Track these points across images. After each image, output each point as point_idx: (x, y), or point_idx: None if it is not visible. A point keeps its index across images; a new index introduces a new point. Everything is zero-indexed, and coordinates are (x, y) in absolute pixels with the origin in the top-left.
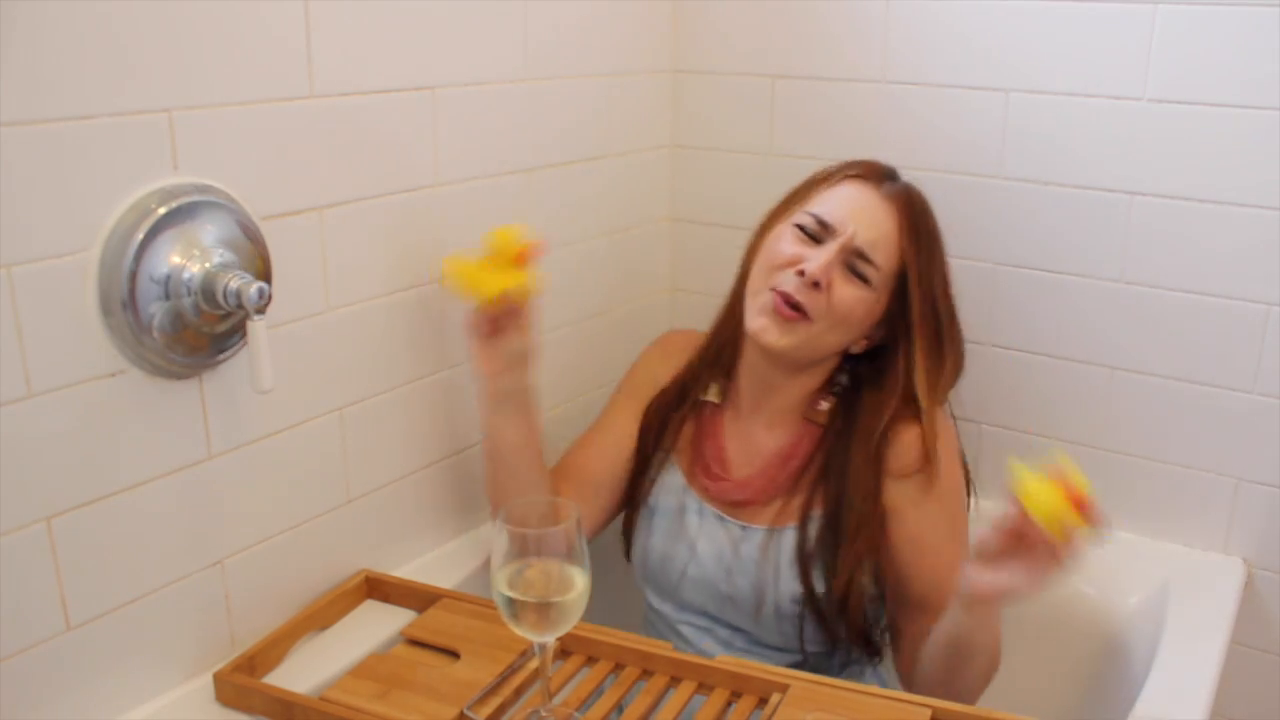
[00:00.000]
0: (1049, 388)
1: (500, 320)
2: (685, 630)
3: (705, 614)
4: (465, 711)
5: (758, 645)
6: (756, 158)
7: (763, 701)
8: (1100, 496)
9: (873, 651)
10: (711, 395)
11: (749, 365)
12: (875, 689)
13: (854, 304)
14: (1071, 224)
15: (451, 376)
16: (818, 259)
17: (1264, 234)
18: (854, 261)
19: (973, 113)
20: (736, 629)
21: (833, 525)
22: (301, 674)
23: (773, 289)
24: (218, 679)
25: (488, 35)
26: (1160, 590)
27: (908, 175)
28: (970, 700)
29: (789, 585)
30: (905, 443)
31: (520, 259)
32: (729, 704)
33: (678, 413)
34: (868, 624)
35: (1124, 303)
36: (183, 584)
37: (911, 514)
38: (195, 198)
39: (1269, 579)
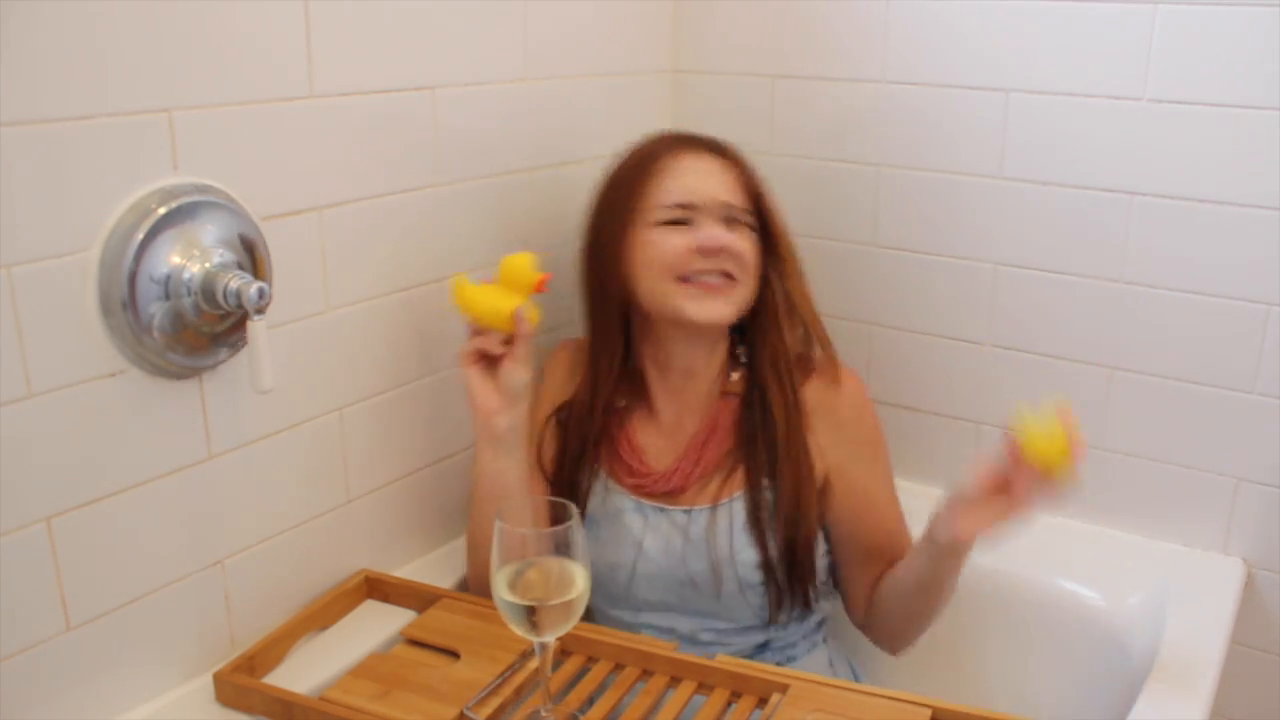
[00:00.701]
0: (1049, 387)
1: (497, 352)
2: (646, 631)
3: (665, 607)
4: (465, 711)
5: (723, 627)
6: (757, 158)
7: (763, 701)
8: (1100, 496)
9: (807, 604)
10: (617, 399)
11: (660, 364)
12: (875, 689)
13: (753, 250)
14: (1071, 224)
15: (451, 377)
16: (708, 230)
17: (1264, 234)
18: (731, 216)
19: (973, 113)
20: (700, 614)
21: (776, 485)
22: (301, 674)
23: (685, 280)
24: (218, 679)
25: (488, 35)
26: (1160, 590)
27: (907, 174)
28: (922, 632)
29: (745, 554)
30: (826, 399)
31: (533, 289)
32: (729, 704)
33: (596, 426)
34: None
35: (1124, 303)
36: (183, 584)
37: (851, 467)
38: (195, 198)
39: (1269, 579)
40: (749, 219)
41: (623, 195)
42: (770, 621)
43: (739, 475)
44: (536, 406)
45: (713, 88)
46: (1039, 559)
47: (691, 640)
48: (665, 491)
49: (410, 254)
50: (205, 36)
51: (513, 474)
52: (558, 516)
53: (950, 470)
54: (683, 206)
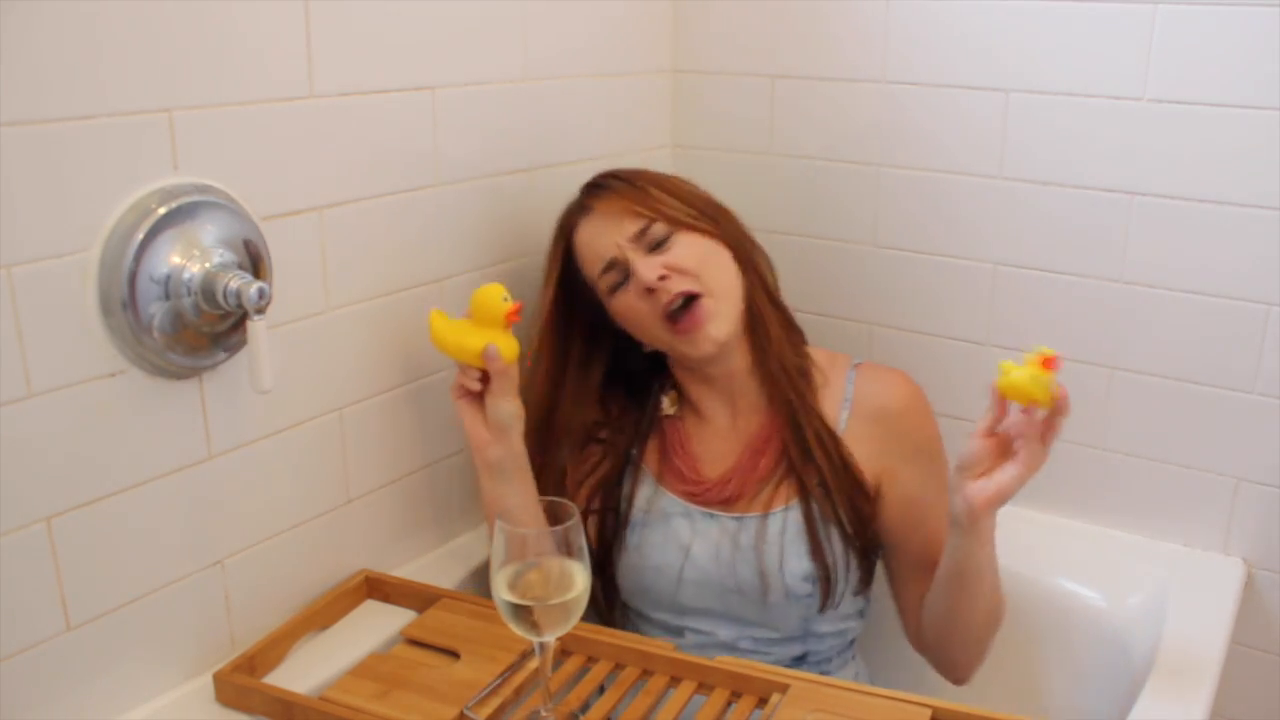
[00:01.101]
0: None
1: (486, 384)
2: (690, 635)
3: (708, 614)
4: (465, 711)
5: (763, 636)
6: (756, 158)
7: (763, 701)
8: (1100, 496)
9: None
10: (667, 409)
11: (702, 380)
12: (875, 689)
13: (690, 253)
14: (1071, 224)
15: (451, 377)
16: (639, 273)
17: (1264, 234)
18: (650, 239)
19: (973, 113)
20: (743, 621)
21: (828, 495)
22: (301, 674)
23: (663, 321)
24: (218, 679)
25: (488, 35)
26: (1160, 590)
27: (907, 174)
28: (980, 653)
29: (794, 564)
30: (875, 402)
31: (505, 321)
32: (729, 704)
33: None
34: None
35: (1124, 303)
36: (183, 584)
37: (903, 472)
38: (195, 198)
39: (1269, 579)
40: (661, 231)
41: (577, 284)
42: (820, 610)
43: (791, 484)
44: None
45: (712, 88)
46: (1039, 559)
47: (730, 648)
48: (720, 500)
49: (410, 254)
50: (205, 36)
51: (513, 499)
52: (558, 516)
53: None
54: (606, 271)
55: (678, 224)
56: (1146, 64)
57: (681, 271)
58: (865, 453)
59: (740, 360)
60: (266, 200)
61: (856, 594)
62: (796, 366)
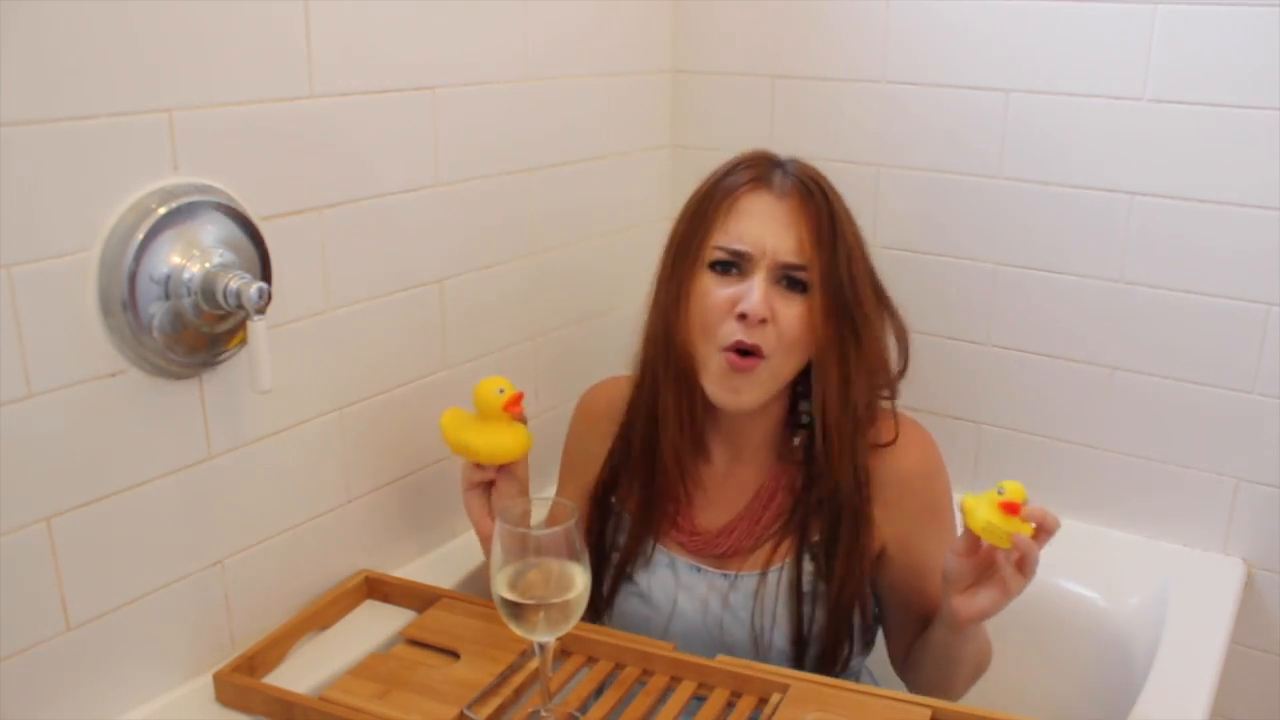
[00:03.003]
0: (1049, 388)
1: (487, 479)
2: None
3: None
4: (465, 711)
5: None
6: None
7: (763, 701)
8: (1100, 496)
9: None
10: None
11: (712, 416)
12: (875, 689)
13: (798, 321)
14: (1071, 224)
15: (451, 377)
16: (752, 294)
17: (1264, 234)
18: (785, 275)
19: (973, 113)
20: None
21: (829, 557)
22: (301, 674)
23: (722, 349)
24: (218, 679)
25: (488, 35)
26: (1160, 590)
27: (907, 174)
28: (963, 691)
29: (788, 625)
30: (890, 466)
31: (506, 412)
32: (729, 704)
33: (641, 478)
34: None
35: (1124, 303)
36: (183, 584)
37: (911, 538)
38: (195, 198)
39: (1269, 579)
40: (806, 277)
41: (688, 227)
42: (831, 671)
43: (790, 544)
44: (578, 468)
45: (712, 88)
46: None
47: None
48: (714, 554)
49: (410, 254)
50: (205, 36)
51: None
52: (558, 516)
53: (950, 470)
54: (734, 254)
55: (824, 290)
56: (1146, 64)
57: (779, 333)
58: (876, 517)
59: (753, 422)
60: (266, 200)
61: (861, 654)
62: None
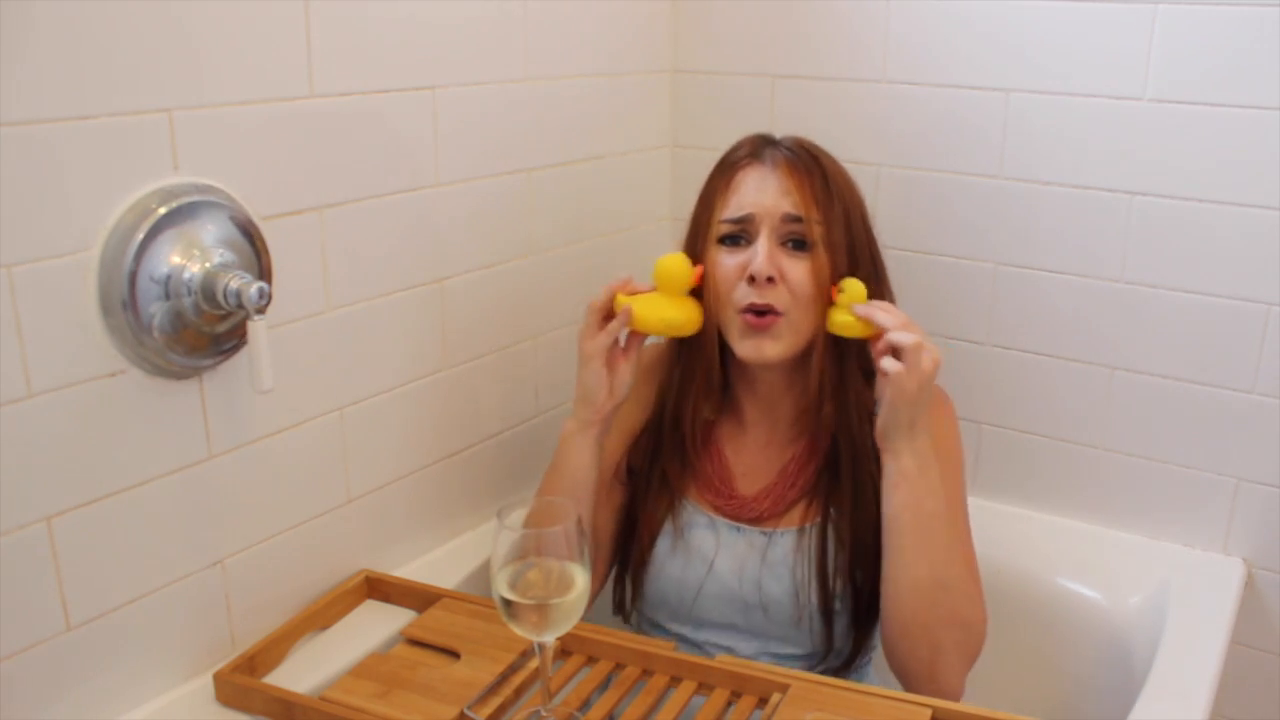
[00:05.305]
0: (1049, 388)
1: (620, 348)
2: (711, 650)
3: (729, 628)
4: (465, 711)
5: (783, 653)
6: None
7: (763, 701)
8: (1100, 496)
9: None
10: (706, 413)
11: (747, 383)
12: (875, 689)
13: (807, 276)
14: (1071, 224)
15: (451, 376)
16: (758, 254)
17: (1264, 234)
18: (788, 231)
19: (973, 113)
20: (764, 637)
21: (852, 519)
22: (301, 674)
23: (738, 311)
24: (218, 679)
25: (488, 35)
26: (1160, 590)
27: (907, 174)
28: (931, 647)
29: (822, 582)
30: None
31: (691, 286)
32: (729, 704)
33: (671, 441)
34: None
35: (1124, 303)
36: (183, 584)
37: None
38: (195, 198)
39: (1269, 579)
40: (809, 231)
41: (698, 210)
42: (826, 651)
43: (820, 502)
44: (622, 413)
45: (712, 88)
46: (1039, 559)
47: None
48: (749, 517)
49: (410, 254)
50: (205, 36)
51: (586, 456)
52: (557, 516)
53: None
54: (737, 222)
55: (827, 245)
56: (1146, 64)
57: (791, 290)
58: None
59: (786, 386)
60: (266, 200)
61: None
62: (856, 402)
